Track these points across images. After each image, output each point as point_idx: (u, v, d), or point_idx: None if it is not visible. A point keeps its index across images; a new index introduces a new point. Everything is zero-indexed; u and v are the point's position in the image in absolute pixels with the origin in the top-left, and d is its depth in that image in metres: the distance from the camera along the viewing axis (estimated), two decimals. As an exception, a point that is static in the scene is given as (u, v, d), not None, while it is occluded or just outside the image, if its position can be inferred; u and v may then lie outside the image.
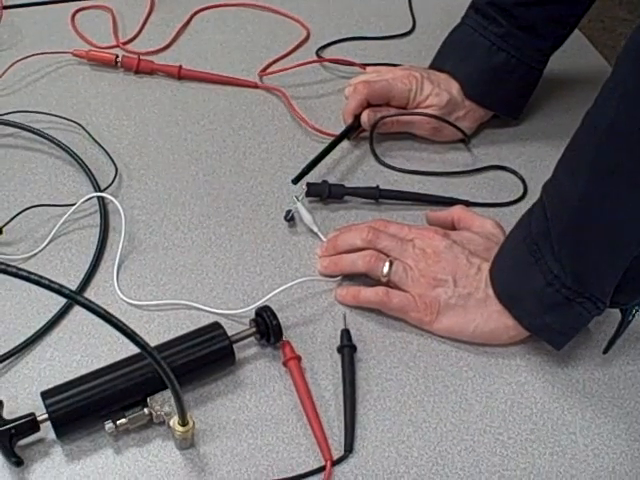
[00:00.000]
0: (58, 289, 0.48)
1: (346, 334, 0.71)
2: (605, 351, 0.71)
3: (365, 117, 0.87)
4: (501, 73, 0.87)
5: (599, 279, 0.64)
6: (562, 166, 0.65)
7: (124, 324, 0.51)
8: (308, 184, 0.82)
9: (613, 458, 0.65)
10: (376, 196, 0.83)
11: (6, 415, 0.62)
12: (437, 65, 0.91)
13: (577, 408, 0.68)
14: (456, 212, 0.78)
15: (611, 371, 0.71)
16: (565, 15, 0.86)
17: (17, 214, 0.79)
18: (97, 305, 0.49)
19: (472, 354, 0.71)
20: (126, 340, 0.50)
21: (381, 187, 0.83)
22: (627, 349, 0.72)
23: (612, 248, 0.61)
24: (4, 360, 0.68)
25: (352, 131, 0.88)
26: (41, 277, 0.47)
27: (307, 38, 1.03)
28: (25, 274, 0.46)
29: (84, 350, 0.70)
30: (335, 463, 0.63)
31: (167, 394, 0.63)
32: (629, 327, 0.69)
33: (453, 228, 0.78)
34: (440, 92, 0.88)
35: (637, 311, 0.68)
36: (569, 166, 0.64)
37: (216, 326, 0.68)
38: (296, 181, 0.81)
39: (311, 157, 0.84)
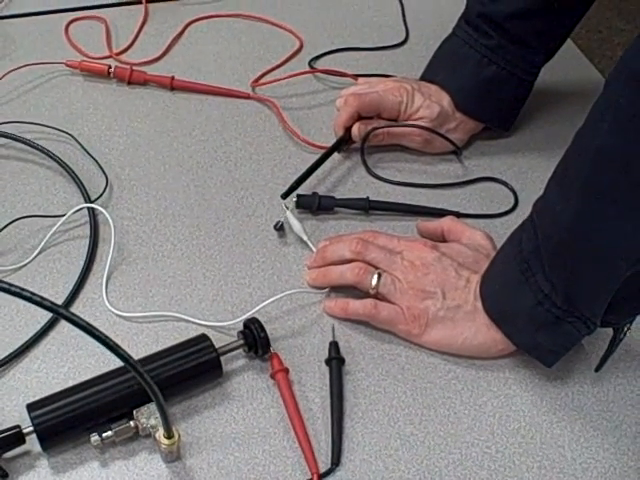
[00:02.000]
0: (40, 302, 0.47)
1: (334, 346, 0.70)
2: (597, 369, 0.70)
3: (356, 130, 0.87)
4: (492, 86, 0.87)
5: (590, 299, 0.64)
6: (553, 185, 0.65)
7: (107, 337, 0.50)
8: (298, 196, 0.82)
9: (602, 472, 0.65)
10: (366, 207, 0.82)
11: (-8, 428, 0.62)
12: (428, 77, 0.91)
13: (566, 422, 0.68)
14: (446, 223, 0.78)
15: (600, 385, 0.70)
16: (555, 28, 0.86)
17: (7, 224, 0.79)
18: (80, 318, 0.49)
19: (461, 367, 0.71)
20: (113, 352, 0.50)
21: (371, 198, 0.83)
22: (617, 363, 0.72)
23: (603, 269, 0.61)
24: (-9, 372, 0.68)
25: (343, 144, 0.88)
26: (22, 289, 0.47)
27: (300, 49, 1.03)
28: (6, 286, 0.46)
29: (71, 362, 0.69)
30: (322, 476, 0.63)
31: (153, 407, 0.63)
32: (620, 343, 0.69)
33: (443, 239, 0.78)
34: (431, 104, 0.88)
35: (629, 329, 0.68)
36: (560, 186, 0.63)
37: (203, 338, 0.68)
38: (285, 196, 0.81)
39: (302, 169, 0.84)
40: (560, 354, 0.67)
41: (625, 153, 0.56)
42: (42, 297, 0.47)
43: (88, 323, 0.49)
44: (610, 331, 0.68)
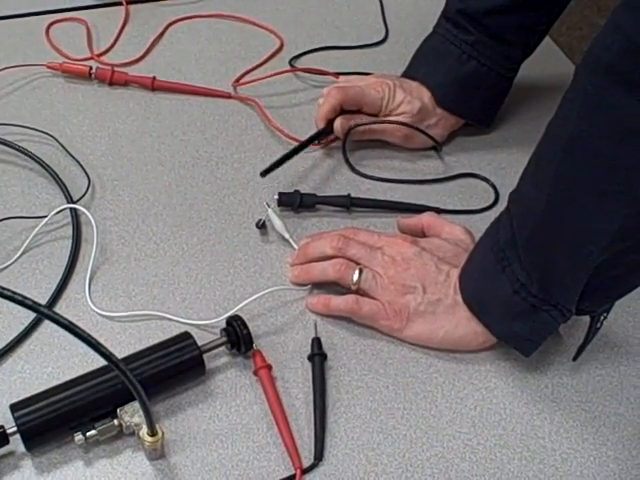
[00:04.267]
0: (21, 301, 0.48)
1: (317, 342, 0.71)
2: (574, 358, 0.71)
3: (338, 125, 0.88)
4: (472, 81, 0.88)
5: (564, 287, 0.64)
6: (526, 176, 0.66)
7: (89, 335, 0.51)
8: (280, 193, 0.82)
9: (581, 462, 0.66)
10: (347, 204, 0.83)
11: (-25, 428, 0.62)
12: (409, 73, 0.92)
13: (546, 413, 0.69)
14: (425, 219, 0.79)
15: (579, 376, 0.71)
16: (534, 23, 0.87)
17: (-11, 226, 0.79)
18: (61, 316, 0.49)
19: (442, 360, 0.72)
20: (97, 352, 0.51)
21: (353, 195, 0.84)
22: (595, 354, 0.73)
23: (575, 256, 0.62)
24: (-26, 373, 0.68)
25: (324, 135, 0.89)
26: (3, 288, 0.47)
27: (280, 48, 1.04)
28: (-13, 286, 0.47)
29: (55, 362, 0.70)
30: (305, 471, 0.63)
31: (137, 405, 0.63)
32: (598, 333, 0.70)
33: (423, 234, 0.78)
34: (412, 100, 0.88)
35: (605, 318, 0.69)
36: (533, 176, 0.65)
37: (186, 336, 0.68)
38: (264, 174, 0.81)
39: (284, 167, 0.84)
40: (537, 343, 0.68)
41: (593, 139, 0.57)
42: (24, 296, 0.47)
43: (70, 321, 0.49)
44: (587, 321, 0.68)
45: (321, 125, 0.89)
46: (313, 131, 0.90)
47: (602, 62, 0.55)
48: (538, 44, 0.90)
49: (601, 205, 0.58)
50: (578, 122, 0.57)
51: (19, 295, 0.47)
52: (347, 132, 0.88)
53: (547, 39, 1.04)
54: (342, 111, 0.89)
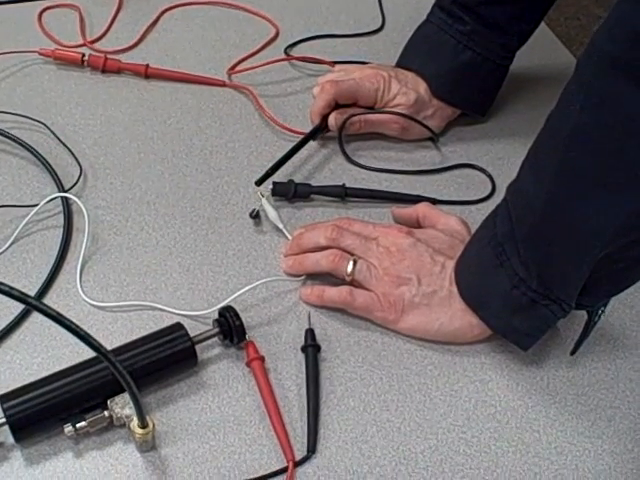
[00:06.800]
0: (8, 291, 0.47)
1: (310, 333, 0.70)
2: (572, 352, 0.71)
3: (332, 120, 0.87)
4: (468, 71, 0.87)
5: (564, 282, 0.64)
6: (526, 168, 0.65)
7: (77, 326, 0.50)
8: (274, 183, 0.81)
9: (576, 455, 0.65)
10: (342, 194, 0.82)
11: (-37, 419, 0.61)
12: (404, 63, 0.91)
13: (541, 406, 0.68)
14: (421, 209, 0.78)
15: (575, 369, 0.71)
16: (529, 12, 0.86)
17: (-21, 215, 0.78)
18: (49, 307, 0.48)
19: (437, 352, 0.71)
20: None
21: (348, 185, 0.83)
22: (592, 347, 0.72)
23: (576, 251, 0.61)
24: (-37, 363, 0.67)
25: (319, 132, 0.88)
26: (-9, 279, 0.46)
27: (276, 36, 1.03)
28: (-27, 276, 0.46)
29: (45, 353, 0.69)
30: (297, 464, 0.63)
31: (127, 396, 0.62)
32: (595, 327, 0.69)
33: (418, 225, 0.78)
34: (408, 91, 0.88)
35: (603, 312, 0.68)
36: (533, 169, 0.64)
37: (178, 327, 0.67)
38: (260, 182, 0.80)
39: (278, 156, 0.83)
40: (536, 337, 0.67)
41: (598, 133, 0.56)
42: (11, 287, 0.46)
43: (58, 312, 0.48)
44: (585, 315, 0.68)
45: (316, 120, 0.88)
46: (308, 121, 0.89)
47: (607, 54, 0.53)
48: (532, 32, 0.89)
49: (605, 200, 0.57)
50: (581, 115, 0.56)
51: (6, 285, 0.46)
52: (342, 124, 0.87)
53: (545, 29, 1.04)
54: (337, 105, 0.88)
